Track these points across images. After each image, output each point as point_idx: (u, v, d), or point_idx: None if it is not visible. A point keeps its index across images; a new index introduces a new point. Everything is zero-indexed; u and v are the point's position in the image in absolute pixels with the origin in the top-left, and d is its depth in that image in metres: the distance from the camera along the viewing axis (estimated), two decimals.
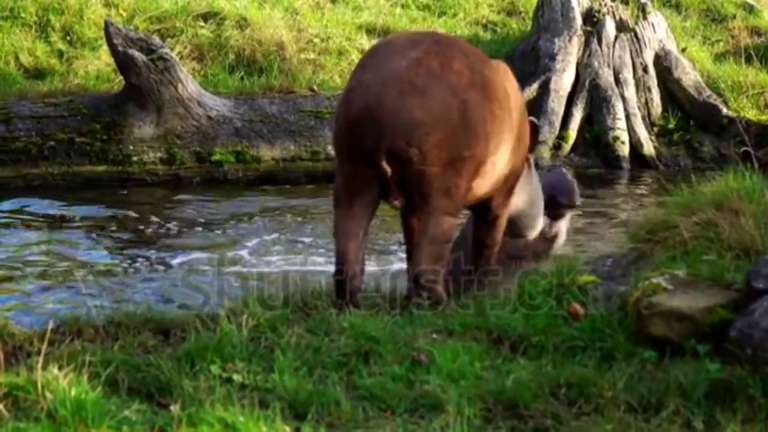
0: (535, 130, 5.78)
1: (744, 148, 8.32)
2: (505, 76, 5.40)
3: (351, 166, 5.03)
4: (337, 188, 5.13)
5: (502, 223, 5.64)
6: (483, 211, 5.53)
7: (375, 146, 4.88)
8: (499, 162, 5.26)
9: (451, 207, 5.05)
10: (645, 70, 11.17)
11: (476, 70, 5.11)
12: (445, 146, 4.92)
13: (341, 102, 5.15)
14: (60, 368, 3.81)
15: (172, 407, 3.74)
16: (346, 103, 5.05)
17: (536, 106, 10.71)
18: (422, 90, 4.91)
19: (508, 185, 5.51)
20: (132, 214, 8.44)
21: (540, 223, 6.02)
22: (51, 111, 9.33)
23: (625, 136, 10.77)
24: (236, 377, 4.01)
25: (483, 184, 5.25)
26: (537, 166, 6.42)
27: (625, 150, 10.73)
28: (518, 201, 5.75)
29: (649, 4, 11.66)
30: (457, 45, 5.25)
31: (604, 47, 11.09)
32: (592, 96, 10.94)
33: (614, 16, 11.32)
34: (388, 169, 4.92)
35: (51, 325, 4.35)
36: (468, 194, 5.17)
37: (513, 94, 5.41)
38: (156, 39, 9.71)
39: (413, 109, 4.88)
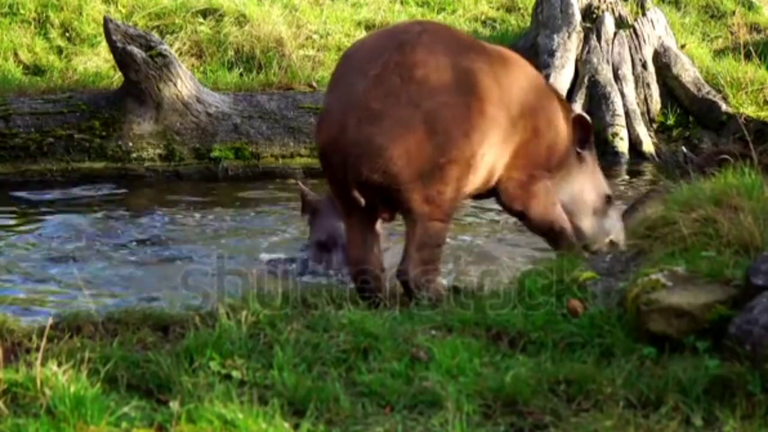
0: (581, 124, 5.74)
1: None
2: (504, 66, 5.30)
3: (333, 187, 5.14)
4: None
5: (536, 215, 5.50)
6: (505, 208, 5.55)
7: (343, 177, 4.96)
8: (488, 155, 5.18)
9: (437, 212, 5.03)
10: (644, 66, 11.15)
11: (455, 67, 5.02)
12: (414, 161, 4.91)
13: (316, 125, 5.22)
14: (59, 365, 3.81)
15: (171, 404, 3.75)
16: (317, 129, 5.15)
17: None
18: (379, 114, 4.89)
19: (520, 180, 5.45)
20: (131, 210, 8.43)
21: (591, 227, 5.78)
22: (50, 107, 9.32)
23: (624, 133, 10.76)
24: (235, 374, 4.02)
25: (474, 180, 5.21)
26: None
27: (624, 146, 10.72)
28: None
29: (648, 0, 11.66)
30: (431, 42, 5.07)
31: (603, 44, 11.08)
32: (591, 92, 10.93)
33: (613, 13, 11.30)
34: (361, 198, 4.97)
35: (50, 321, 4.36)
36: (461, 192, 5.14)
37: (516, 82, 5.33)
38: (155, 35, 9.69)
39: (372, 136, 4.88)
